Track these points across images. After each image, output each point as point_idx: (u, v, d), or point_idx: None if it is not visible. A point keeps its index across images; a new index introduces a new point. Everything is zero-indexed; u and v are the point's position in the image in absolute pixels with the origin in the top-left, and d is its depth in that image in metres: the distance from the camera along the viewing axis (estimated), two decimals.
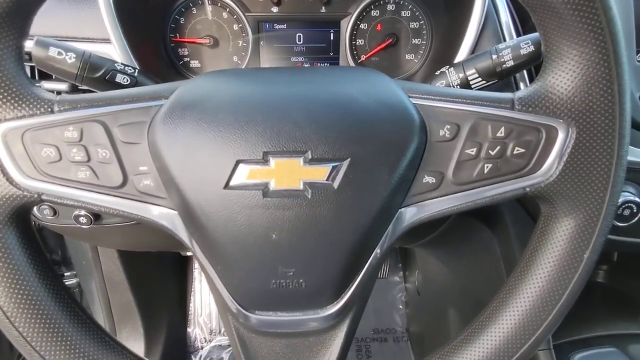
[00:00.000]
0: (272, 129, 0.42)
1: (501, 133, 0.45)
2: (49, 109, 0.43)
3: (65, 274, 1.58)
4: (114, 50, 0.78)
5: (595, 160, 0.42)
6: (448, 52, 0.88)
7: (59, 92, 0.72)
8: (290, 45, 1.01)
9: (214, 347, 1.71)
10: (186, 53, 1.00)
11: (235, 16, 0.97)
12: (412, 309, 1.85)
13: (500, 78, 0.65)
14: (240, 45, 1.00)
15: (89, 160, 0.44)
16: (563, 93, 0.44)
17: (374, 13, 0.98)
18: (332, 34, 1.00)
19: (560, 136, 0.42)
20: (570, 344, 0.92)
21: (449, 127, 0.45)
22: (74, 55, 0.60)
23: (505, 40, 0.79)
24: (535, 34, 0.63)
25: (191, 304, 1.71)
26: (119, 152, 0.44)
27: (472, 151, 0.45)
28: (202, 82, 0.49)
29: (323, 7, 0.98)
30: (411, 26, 0.99)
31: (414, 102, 0.48)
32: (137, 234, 0.93)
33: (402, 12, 0.98)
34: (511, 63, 0.63)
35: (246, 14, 0.97)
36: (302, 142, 0.42)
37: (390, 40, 0.98)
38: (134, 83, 0.65)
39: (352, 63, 1.01)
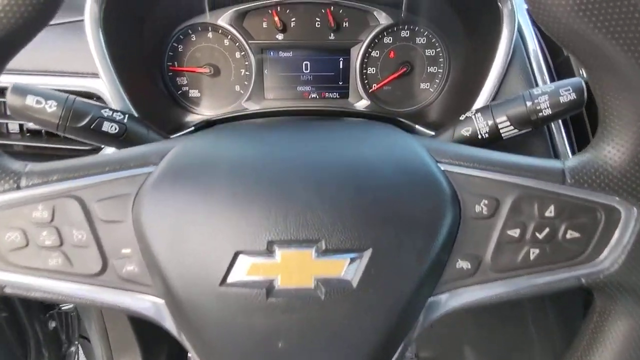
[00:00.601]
0: (277, 212, 0.35)
1: (550, 212, 0.38)
2: (15, 185, 0.37)
3: None
4: (103, 85, 0.72)
5: None
6: (469, 82, 0.81)
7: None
8: (296, 74, 0.94)
9: None
10: (185, 82, 0.93)
11: (237, 43, 0.91)
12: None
13: (535, 127, 0.58)
14: (242, 74, 0.93)
15: (61, 244, 0.37)
16: (624, 167, 0.36)
17: (387, 40, 0.91)
18: (341, 62, 0.93)
19: (623, 219, 0.35)
20: None
21: (486, 201, 0.38)
22: (55, 103, 0.54)
23: (533, 72, 0.72)
24: (576, 80, 0.56)
25: None
26: (97, 233, 0.38)
27: (515, 232, 0.38)
28: (196, 145, 0.42)
29: (332, 34, 0.91)
30: (427, 54, 0.92)
31: (443, 168, 0.40)
32: None
33: (417, 39, 0.91)
34: (548, 112, 0.56)
35: (249, 41, 0.90)
36: (313, 229, 0.35)
37: (405, 68, 0.91)
38: (123, 131, 0.58)
39: (362, 93, 0.94)
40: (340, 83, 0.95)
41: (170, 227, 0.37)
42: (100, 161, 0.41)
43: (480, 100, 0.73)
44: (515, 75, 0.71)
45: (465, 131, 0.62)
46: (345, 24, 0.91)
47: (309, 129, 0.47)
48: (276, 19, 0.89)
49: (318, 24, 0.90)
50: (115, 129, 0.57)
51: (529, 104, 0.57)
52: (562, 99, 0.55)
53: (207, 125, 0.83)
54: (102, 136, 0.57)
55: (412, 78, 0.94)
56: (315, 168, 0.38)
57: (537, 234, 0.38)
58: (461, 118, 0.63)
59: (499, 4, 0.67)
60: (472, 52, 0.81)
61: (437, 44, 0.91)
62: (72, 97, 0.56)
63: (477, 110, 0.61)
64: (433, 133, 0.79)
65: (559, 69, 0.72)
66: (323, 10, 0.90)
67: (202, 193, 0.37)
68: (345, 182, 0.38)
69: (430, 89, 0.94)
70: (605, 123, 0.37)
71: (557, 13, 0.30)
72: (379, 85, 0.94)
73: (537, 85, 0.71)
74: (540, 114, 0.56)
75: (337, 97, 0.96)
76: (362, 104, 0.95)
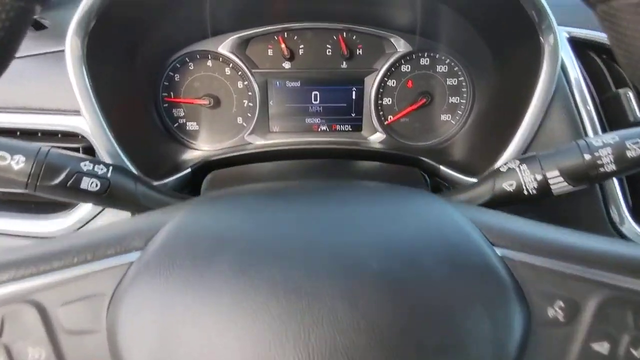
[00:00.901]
0: (298, 335, 0.26)
1: None
2: None
3: None
4: (85, 123, 0.63)
5: None
6: (499, 117, 0.73)
7: None
8: (304, 105, 0.85)
9: None
10: (182, 114, 0.85)
11: (240, 72, 0.82)
12: None
13: (592, 183, 0.49)
14: (245, 105, 0.85)
15: None
16: None
17: (405, 68, 0.83)
18: (354, 92, 0.84)
19: None
20: None
21: (561, 304, 0.30)
22: (23, 159, 0.45)
23: (578, 110, 0.63)
24: None
25: None
26: (61, 349, 0.29)
27: (602, 346, 0.29)
28: (195, 222, 0.33)
29: (344, 62, 0.83)
30: (448, 83, 0.83)
31: (501, 254, 0.31)
32: None
33: (438, 67, 0.83)
34: (612, 167, 0.46)
35: (253, 70, 0.82)
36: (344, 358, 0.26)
37: (424, 99, 0.83)
38: (106, 187, 0.48)
39: (377, 125, 0.85)
40: (353, 115, 0.86)
41: (157, 340, 0.28)
42: (66, 249, 0.32)
43: (516, 142, 0.64)
44: (556, 114, 0.63)
45: (508, 185, 0.52)
46: (359, 51, 0.82)
47: (328, 201, 0.38)
48: (283, 46, 0.80)
49: (329, 52, 0.82)
50: (97, 186, 0.48)
51: (587, 157, 0.48)
52: (630, 154, 0.46)
53: (205, 166, 0.74)
54: (81, 194, 0.48)
55: (432, 109, 0.85)
56: (345, 270, 0.29)
57: (633, 351, 0.29)
58: (502, 169, 0.54)
59: (540, 36, 0.59)
60: (501, 83, 0.73)
61: (459, 73, 0.83)
62: (45, 148, 0.47)
63: (522, 161, 0.52)
64: (461, 176, 0.70)
65: (606, 107, 0.64)
66: (334, 37, 0.81)
67: (202, 295, 0.28)
68: (382, 290, 0.28)
69: (452, 121, 0.85)
70: None
71: None
72: (395, 117, 0.85)
73: (582, 125, 0.62)
74: (602, 169, 0.47)
75: (350, 129, 0.87)
76: (377, 138, 0.86)
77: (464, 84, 0.83)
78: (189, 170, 0.72)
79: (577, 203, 0.61)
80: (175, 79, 0.83)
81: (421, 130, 0.86)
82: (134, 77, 0.75)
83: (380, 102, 0.85)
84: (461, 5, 0.67)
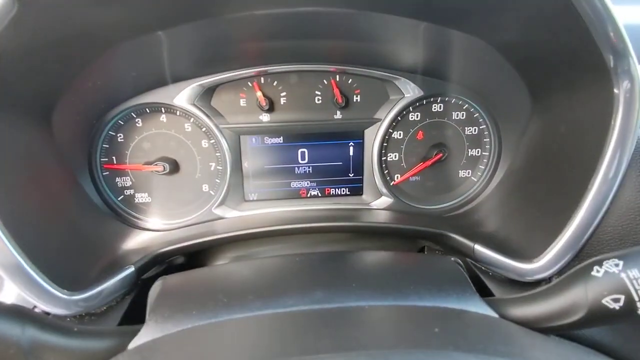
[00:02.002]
0: None
1: None
2: None
3: None
4: None
5: None
6: (545, 179, 0.56)
7: None
8: (289, 167, 0.67)
9: None
10: (129, 184, 0.64)
11: (204, 129, 0.64)
12: None
13: None
14: (212, 169, 0.65)
15: None
16: None
17: (413, 117, 0.67)
18: (351, 149, 0.67)
19: None
20: None
21: None
22: None
23: None
24: None
25: None
26: None
27: None
28: None
29: (338, 112, 0.65)
30: (467, 132, 0.67)
31: None
32: None
33: (454, 114, 0.67)
34: None
35: (221, 125, 0.63)
36: None
37: (440, 154, 0.66)
38: None
39: (382, 187, 0.67)
40: (351, 175, 0.68)
41: None
42: None
43: (581, 217, 0.47)
44: (635, 180, 0.46)
45: (612, 300, 0.35)
46: (357, 98, 0.65)
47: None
48: (259, 94, 0.62)
49: (319, 99, 0.65)
50: None
51: None
52: None
53: (154, 261, 0.54)
54: None
55: (448, 164, 0.68)
56: None
57: None
58: (595, 272, 0.37)
59: (614, 83, 0.43)
60: (544, 136, 0.56)
61: (480, 120, 0.67)
62: None
63: (626, 261, 0.35)
64: (506, 260, 0.52)
65: None
66: (325, 81, 0.64)
67: None
68: None
69: (473, 178, 0.69)
70: None
71: None
72: (403, 177, 0.68)
73: None
74: None
75: (347, 193, 0.69)
76: (382, 203, 0.68)
77: (486, 133, 0.67)
78: (131, 269, 0.51)
79: None
80: (118, 139, 0.63)
81: (435, 191, 0.69)
82: (58, 142, 0.55)
83: (384, 158, 0.68)
84: (503, 42, 0.51)
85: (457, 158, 0.69)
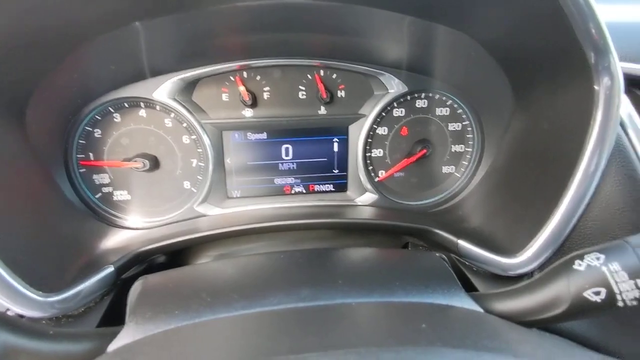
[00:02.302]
0: None
1: None
2: None
3: None
4: None
5: None
6: (528, 175, 0.56)
7: None
8: (273, 163, 0.66)
9: None
10: (107, 181, 0.62)
11: (184, 124, 0.62)
12: None
13: None
14: (194, 165, 0.64)
15: None
16: None
17: (397, 112, 0.66)
18: (336, 145, 0.66)
19: None
20: None
21: None
22: None
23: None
24: None
25: None
26: None
27: None
28: None
29: (322, 107, 0.65)
30: (450, 128, 0.68)
31: None
32: None
33: (438, 110, 0.67)
34: None
35: (202, 120, 0.62)
36: None
37: (425, 150, 0.66)
38: None
39: (366, 183, 0.67)
40: (336, 172, 0.68)
41: None
42: None
43: (562, 212, 0.47)
44: (615, 175, 0.47)
45: (593, 294, 0.36)
46: (341, 93, 0.65)
47: None
48: (242, 88, 0.61)
49: (303, 94, 0.64)
50: None
51: None
52: None
53: (134, 260, 0.53)
54: None
55: (432, 160, 0.69)
56: None
57: None
58: (577, 266, 0.37)
59: (595, 79, 0.43)
60: (526, 132, 0.57)
61: (464, 116, 0.67)
62: None
63: (607, 255, 0.36)
64: (488, 254, 0.53)
65: None
66: (309, 76, 0.63)
67: None
68: None
69: (456, 174, 0.69)
70: None
71: None
72: (388, 173, 0.68)
73: None
74: None
75: (332, 189, 0.68)
76: (367, 199, 0.68)
77: (469, 129, 0.68)
78: (110, 269, 0.50)
79: None
80: (95, 135, 0.61)
81: (419, 187, 0.70)
82: (32, 139, 0.53)
83: (369, 154, 0.67)
84: (487, 38, 0.51)
85: (440, 154, 0.69)
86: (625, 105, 0.49)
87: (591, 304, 0.36)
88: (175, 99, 0.60)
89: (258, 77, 0.62)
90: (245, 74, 0.62)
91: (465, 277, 0.54)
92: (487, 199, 0.64)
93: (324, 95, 0.62)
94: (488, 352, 0.28)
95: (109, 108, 0.60)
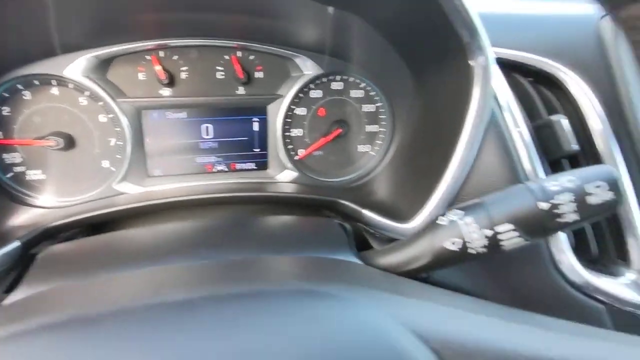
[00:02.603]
0: None
1: None
2: None
3: None
4: None
5: None
6: (425, 148, 0.62)
7: None
8: (193, 142, 0.68)
9: None
10: (18, 160, 0.61)
11: (100, 103, 0.62)
12: None
13: (549, 235, 0.40)
14: (112, 144, 0.64)
15: None
16: None
17: (315, 94, 0.70)
18: (255, 124, 0.69)
19: None
20: None
21: None
22: None
23: (512, 140, 0.55)
24: (606, 170, 0.39)
25: None
26: None
27: None
28: None
29: (240, 88, 0.67)
30: (364, 109, 0.72)
31: None
32: None
33: (352, 92, 0.71)
34: (574, 217, 0.38)
35: (118, 99, 0.62)
36: None
37: (340, 129, 0.70)
38: None
39: (286, 161, 0.71)
40: (257, 150, 0.71)
41: None
42: None
43: (447, 180, 0.53)
44: (491, 146, 0.54)
45: (451, 244, 0.41)
46: (258, 74, 0.67)
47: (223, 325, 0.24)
48: (158, 67, 0.62)
49: (221, 74, 0.66)
50: None
51: (543, 205, 0.38)
52: (592, 200, 0.38)
53: (45, 234, 0.53)
54: None
55: (348, 140, 0.73)
56: None
57: None
58: (441, 221, 0.42)
59: (471, 58, 0.49)
60: (425, 110, 0.63)
61: (377, 98, 0.72)
62: None
63: (466, 211, 0.41)
64: (386, 221, 0.58)
65: (539, 134, 0.57)
66: (227, 57, 0.65)
67: None
68: None
69: (372, 153, 0.74)
70: None
71: None
72: (307, 152, 0.72)
73: (517, 154, 0.54)
74: (561, 219, 0.38)
75: (254, 168, 0.71)
76: (286, 176, 0.71)
77: (382, 110, 0.73)
78: (16, 244, 0.50)
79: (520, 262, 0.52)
80: (3, 113, 0.59)
81: (337, 165, 0.74)
82: None
83: (288, 134, 0.71)
84: (378, 20, 0.56)
85: (356, 134, 0.74)
86: (497, 81, 0.56)
87: (450, 253, 0.41)
88: (89, 77, 0.60)
89: (175, 57, 0.64)
90: (162, 54, 0.63)
91: (368, 243, 0.59)
92: (394, 174, 0.69)
93: (241, 76, 0.65)
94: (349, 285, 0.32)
95: (17, 85, 0.59)
